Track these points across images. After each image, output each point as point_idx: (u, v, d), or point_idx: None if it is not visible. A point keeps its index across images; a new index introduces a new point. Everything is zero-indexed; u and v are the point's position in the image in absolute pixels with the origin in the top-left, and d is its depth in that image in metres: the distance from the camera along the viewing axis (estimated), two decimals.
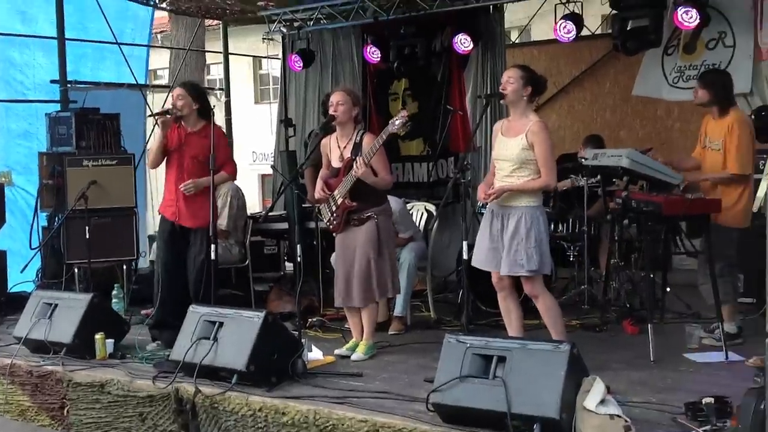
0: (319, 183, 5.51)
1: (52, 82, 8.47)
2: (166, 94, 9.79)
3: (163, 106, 5.79)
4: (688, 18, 7.07)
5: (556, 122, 9.16)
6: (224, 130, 10.14)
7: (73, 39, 8.71)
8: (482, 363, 3.99)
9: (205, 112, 5.83)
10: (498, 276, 4.92)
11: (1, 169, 8.65)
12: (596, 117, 9.21)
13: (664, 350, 5.01)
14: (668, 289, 5.99)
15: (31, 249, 7.17)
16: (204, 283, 5.61)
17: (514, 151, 4.79)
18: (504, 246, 4.80)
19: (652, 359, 4.91)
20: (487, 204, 5.10)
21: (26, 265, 6.96)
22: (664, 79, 8.24)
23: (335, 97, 5.42)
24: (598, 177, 6.46)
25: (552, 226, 6.80)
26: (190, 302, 5.34)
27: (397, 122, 5.07)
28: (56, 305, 5.66)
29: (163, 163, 5.93)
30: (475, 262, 5.00)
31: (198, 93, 5.88)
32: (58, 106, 8.21)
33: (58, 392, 5.20)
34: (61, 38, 8.28)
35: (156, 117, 5.81)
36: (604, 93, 9.23)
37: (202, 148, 5.72)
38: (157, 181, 6.25)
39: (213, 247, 5.56)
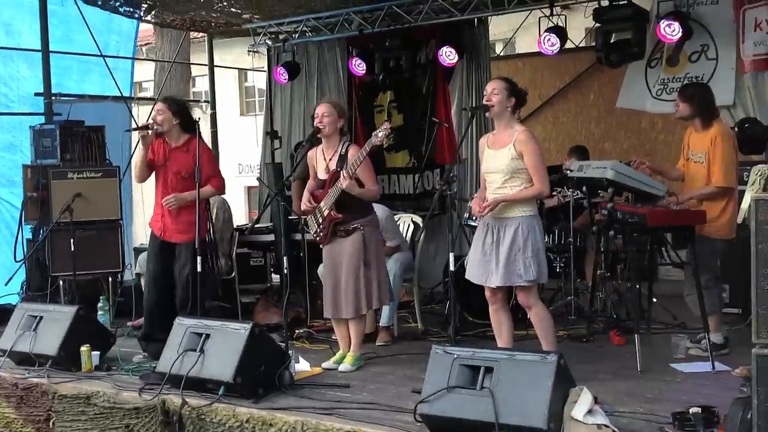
0: (306, 195, 5.51)
1: (37, 94, 8.46)
2: (151, 106, 9.78)
3: (147, 120, 5.75)
4: (670, 31, 7.15)
5: (541, 134, 9.20)
6: (209, 143, 10.22)
7: (58, 51, 8.70)
8: (470, 374, 3.99)
9: (188, 126, 5.78)
10: (491, 289, 4.91)
11: None
12: (581, 129, 9.28)
13: (651, 360, 5.04)
14: (654, 300, 6.03)
15: (16, 261, 7.13)
16: (192, 295, 5.59)
17: (503, 162, 4.80)
18: (499, 258, 4.78)
19: (639, 369, 4.93)
20: (478, 217, 5.10)
21: (11, 278, 6.91)
22: (647, 92, 8.32)
23: (320, 109, 5.43)
24: (584, 189, 6.49)
25: None
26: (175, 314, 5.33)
27: (380, 134, 5.09)
28: (41, 318, 5.63)
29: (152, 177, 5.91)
30: (469, 276, 5.00)
31: (178, 107, 5.82)
32: (42, 119, 8.18)
33: (43, 404, 5.16)
34: (45, 51, 8.26)
35: (138, 131, 5.78)
36: (588, 105, 9.30)
37: (185, 163, 5.70)
38: (142, 194, 6.24)
39: (199, 258, 5.56)
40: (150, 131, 5.70)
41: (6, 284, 6.95)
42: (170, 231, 5.79)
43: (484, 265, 4.86)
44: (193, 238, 5.63)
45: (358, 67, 8.93)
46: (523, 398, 3.77)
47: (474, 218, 6.56)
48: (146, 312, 5.88)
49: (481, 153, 5.07)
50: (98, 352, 5.51)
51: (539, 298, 4.96)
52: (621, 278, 6.61)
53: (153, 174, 5.87)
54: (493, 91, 4.87)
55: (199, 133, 5.80)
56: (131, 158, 9.02)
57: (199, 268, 5.58)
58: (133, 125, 6.41)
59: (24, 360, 5.53)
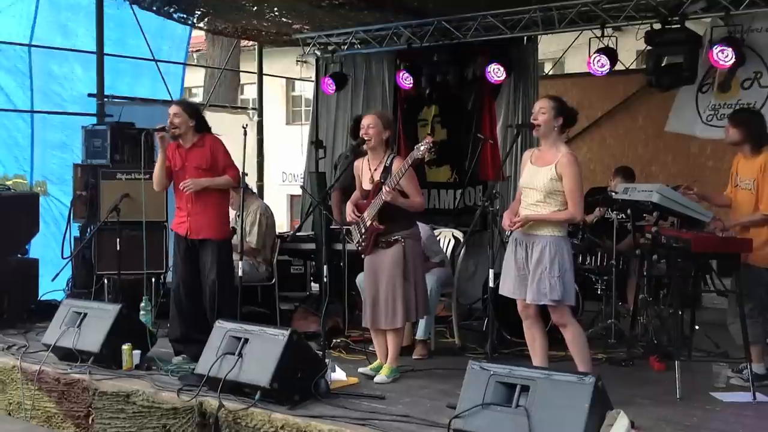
0: (350, 206, 5.55)
1: (90, 95, 8.63)
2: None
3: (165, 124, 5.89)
4: (723, 57, 7.07)
5: (587, 155, 9.15)
6: (255, 150, 10.35)
7: (112, 54, 8.88)
8: (505, 391, 3.98)
9: (202, 126, 5.96)
10: (523, 304, 4.92)
11: (37, 178, 8.79)
12: (628, 151, 9.19)
13: (691, 388, 4.97)
14: (697, 327, 5.94)
15: (63, 258, 7.25)
16: (222, 299, 5.67)
17: (542, 181, 4.80)
18: (530, 274, 4.79)
19: (678, 396, 4.87)
20: (507, 232, 5.10)
21: (57, 274, 7.03)
22: (697, 117, 8.23)
23: (366, 120, 5.47)
24: (628, 211, 6.44)
25: (580, 258, 6.79)
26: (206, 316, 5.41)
27: (422, 147, 5.12)
28: (85, 314, 5.74)
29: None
30: (503, 290, 5.01)
31: (193, 110, 6.02)
32: (94, 119, 8.36)
33: (84, 400, 5.25)
34: (100, 53, 8.44)
35: (155, 132, 5.90)
36: (636, 128, 9.21)
37: (204, 156, 5.87)
38: None
39: (240, 263, 5.62)
40: (167, 134, 5.84)
41: (52, 280, 7.07)
42: (196, 228, 5.85)
43: (520, 280, 4.86)
44: (218, 235, 5.79)
45: (405, 80, 8.96)
46: (559, 419, 3.75)
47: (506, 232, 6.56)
48: (177, 314, 5.93)
49: (522, 165, 5.07)
50: (139, 351, 5.60)
51: (573, 318, 4.92)
52: (663, 304, 6.52)
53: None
54: (541, 110, 4.87)
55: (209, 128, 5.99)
56: None
57: (240, 273, 5.65)
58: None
59: (67, 355, 5.63)
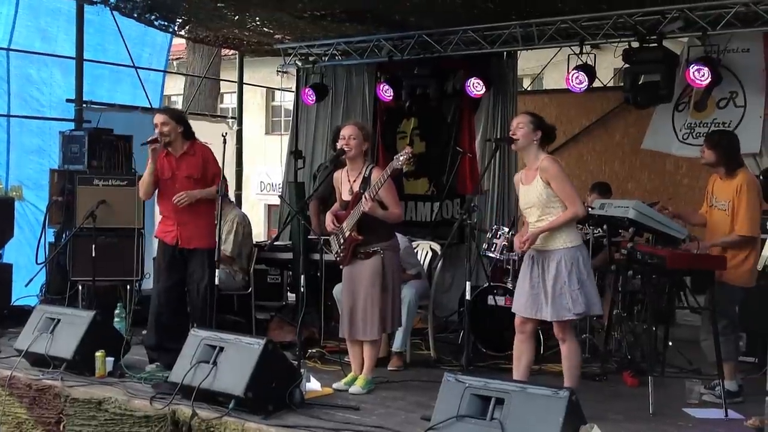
0: (329, 216, 5.55)
1: (68, 101, 8.58)
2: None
3: (153, 134, 5.88)
4: (700, 76, 7.16)
5: (565, 170, 9.19)
6: (234, 159, 10.32)
7: (92, 60, 8.84)
8: (480, 404, 3.99)
9: (189, 133, 5.97)
10: (522, 319, 4.91)
11: (12, 183, 8.71)
12: (605, 168, 9.27)
13: (664, 404, 5.00)
14: (670, 344, 5.99)
15: (37, 264, 7.21)
16: (207, 307, 5.64)
17: (534, 195, 4.82)
18: (547, 291, 4.77)
19: (651, 412, 4.90)
20: (518, 253, 5.08)
21: (31, 280, 6.99)
22: (674, 135, 8.32)
23: (347, 131, 5.48)
24: (604, 227, 6.49)
25: None
26: (188, 325, 5.37)
27: (401, 158, 5.14)
28: (59, 320, 5.69)
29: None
30: (516, 309, 4.99)
31: (179, 117, 6.04)
32: (72, 125, 8.31)
33: (55, 407, 5.19)
34: (79, 58, 8.41)
35: (148, 144, 5.87)
36: (613, 144, 9.30)
37: (195, 165, 5.87)
38: None
39: (217, 271, 5.60)
40: (159, 144, 5.84)
41: (26, 285, 7.03)
42: (187, 237, 5.84)
43: (533, 298, 4.84)
44: (207, 245, 5.76)
45: (386, 92, 8.99)
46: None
47: (493, 249, 6.58)
48: (155, 322, 5.89)
49: (516, 190, 5.10)
50: (112, 359, 5.55)
51: (574, 334, 4.93)
52: (637, 319, 6.57)
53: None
54: (518, 125, 4.91)
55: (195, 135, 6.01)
56: None
57: (216, 281, 5.64)
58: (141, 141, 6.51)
59: (39, 361, 5.58)
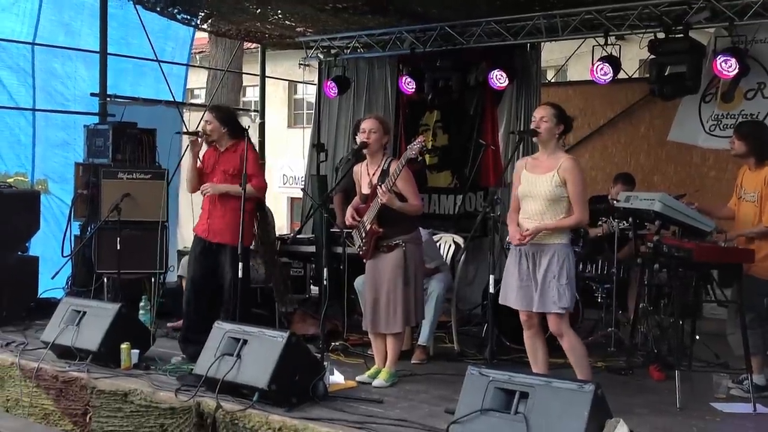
0: (350, 210, 5.54)
1: (92, 95, 8.63)
2: (202, 113, 9.94)
3: (197, 128, 5.93)
4: (727, 67, 7.08)
5: (589, 163, 9.15)
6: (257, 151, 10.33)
7: (115, 54, 8.88)
8: (504, 398, 3.96)
9: (236, 132, 5.96)
10: (527, 314, 4.89)
11: (38, 177, 8.79)
12: (630, 160, 9.19)
13: (691, 398, 4.96)
14: (697, 337, 5.93)
15: (63, 257, 7.25)
16: (238, 301, 5.66)
17: (544, 189, 4.78)
18: (537, 284, 4.77)
19: (677, 406, 4.85)
20: (512, 244, 5.05)
21: (57, 272, 7.02)
22: (700, 126, 8.23)
23: (367, 125, 5.47)
24: (630, 220, 6.43)
25: (581, 266, 6.77)
26: (216, 318, 5.38)
27: (415, 147, 5.15)
28: (84, 313, 5.73)
29: None
30: (503, 300, 4.98)
31: (226, 116, 6.02)
32: (96, 119, 8.35)
33: (81, 398, 5.24)
34: (103, 52, 8.44)
35: (187, 136, 5.93)
36: (638, 136, 9.21)
37: (233, 162, 5.87)
38: (192, 197, 6.35)
39: (241, 265, 5.62)
40: (200, 139, 5.87)
41: (52, 278, 7.07)
42: (214, 232, 5.88)
43: (524, 290, 4.83)
44: (236, 241, 5.73)
45: (408, 85, 8.96)
46: (558, 426, 3.73)
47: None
48: (186, 314, 5.96)
49: (516, 174, 5.03)
50: (138, 351, 5.59)
51: (570, 327, 4.90)
52: (664, 313, 6.51)
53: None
54: (542, 118, 4.87)
55: (249, 137, 5.97)
56: (180, 161, 9.18)
57: (240, 274, 5.65)
58: (181, 130, 6.55)
59: (65, 353, 5.63)
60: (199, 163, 5.99)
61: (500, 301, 5.01)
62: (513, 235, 4.91)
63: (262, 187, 5.99)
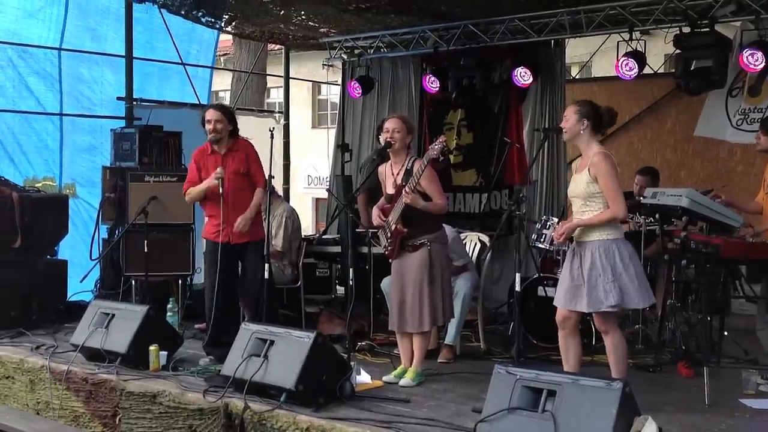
0: (376, 210, 5.55)
1: (119, 98, 8.71)
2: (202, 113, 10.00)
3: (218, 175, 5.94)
4: (753, 60, 6.99)
5: (615, 159, 9.07)
6: (281, 153, 10.40)
7: (141, 58, 8.95)
8: (532, 396, 3.95)
9: (235, 131, 6.07)
10: (564, 314, 4.84)
11: (66, 181, 8.88)
12: (656, 155, 9.11)
13: (720, 395, 4.91)
14: (725, 333, 5.87)
15: (91, 260, 7.33)
16: (265, 301, 5.69)
17: (580, 187, 4.76)
18: (585, 283, 4.71)
19: (706, 403, 4.82)
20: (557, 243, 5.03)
21: (86, 276, 7.10)
22: (727, 121, 8.14)
23: (391, 124, 5.47)
24: (657, 216, 6.38)
25: None
26: (239, 319, 5.42)
27: (436, 147, 5.16)
28: (113, 315, 5.79)
29: None
30: (557, 302, 4.94)
31: (232, 115, 6.10)
32: (123, 122, 8.44)
33: (111, 400, 5.30)
34: (129, 57, 8.53)
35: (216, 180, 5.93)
36: (665, 132, 9.14)
37: (241, 162, 5.96)
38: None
39: (267, 266, 5.66)
40: (218, 182, 5.88)
41: (81, 281, 7.14)
42: (236, 235, 5.90)
43: (573, 290, 4.78)
44: (259, 238, 5.84)
45: (432, 84, 8.95)
46: (586, 424, 3.71)
47: (543, 240, 6.52)
48: (212, 319, 5.95)
49: (570, 179, 5.05)
50: (166, 352, 5.64)
51: (617, 325, 4.86)
52: (692, 309, 6.45)
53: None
54: (565, 118, 4.88)
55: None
56: None
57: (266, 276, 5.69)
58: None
59: (95, 356, 5.69)
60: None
61: (554, 302, 4.96)
62: (555, 234, 4.92)
63: (264, 181, 6.04)
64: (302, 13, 8.85)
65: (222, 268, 5.90)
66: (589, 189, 4.72)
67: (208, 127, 5.92)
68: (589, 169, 4.72)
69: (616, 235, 4.74)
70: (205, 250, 6.14)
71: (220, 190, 5.84)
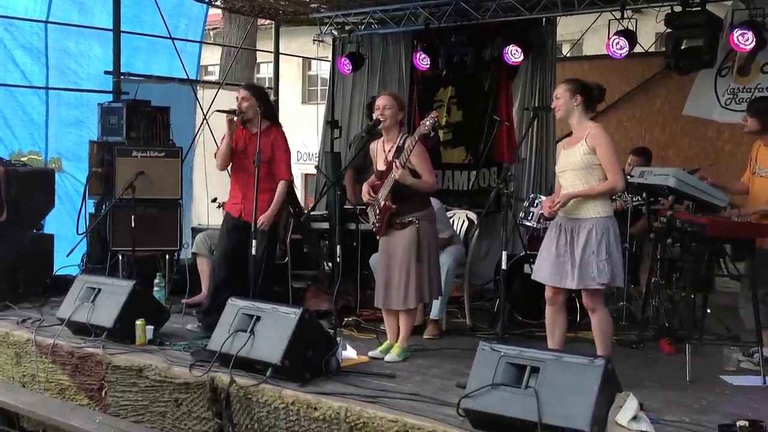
0: (366, 187, 5.54)
1: (106, 73, 8.66)
2: (215, 90, 9.95)
3: (234, 107, 5.93)
4: (744, 40, 7.00)
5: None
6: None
7: (129, 32, 8.88)
8: (515, 372, 3.98)
9: (270, 114, 6.01)
10: (553, 290, 4.87)
11: (52, 155, 8.84)
12: (645, 134, 9.12)
13: (701, 371, 4.95)
14: (708, 311, 5.92)
15: (78, 234, 7.32)
16: (264, 278, 5.74)
17: (576, 159, 4.76)
18: (575, 260, 4.72)
19: (687, 379, 4.86)
20: (547, 218, 5.03)
21: (72, 250, 7.10)
22: (716, 100, 8.16)
23: (381, 101, 5.45)
24: (643, 195, 6.41)
25: None
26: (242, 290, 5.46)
27: (427, 122, 5.17)
28: (100, 290, 5.78)
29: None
30: (537, 277, 4.96)
31: (261, 94, 6.05)
32: (110, 97, 8.38)
33: (97, 374, 5.31)
34: (116, 30, 8.46)
35: (225, 115, 5.92)
36: (654, 111, 9.15)
37: (266, 148, 5.90)
38: (206, 175, 6.40)
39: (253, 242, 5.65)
40: (236, 117, 5.88)
41: (67, 256, 7.14)
42: (248, 211, 5.88)
43: (558, 267, 4.79)
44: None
45: (422, 61, 8.93)
46: (568, 400, 3.74)
47: (530, 218, 6.54)
48: (213, 288, 6.02)
49: (558, 157, 5.03)
50: (152, 327, 5.63)
51: (603, 302, 4.89)
52: (676, 287, 6.50)
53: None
54: (556, 97, 4.90)
55: (279, 123, 6.10)
56: (194, 139, 9.22)
57: (254, 251, 5.70)
58: (216, 108, 6.46)
59: (81, 330, 5.68)
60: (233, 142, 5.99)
61: (533, 277, 4.99)
62: (544, 205, 4.91)
63: (290, 181, 6.11)
64: None
65: (231, 237, 5.98)
66: (586, 159, 4.71)
67: (236, 104, 5.94)
68: (586, 140, 4.72)
69: (610, 212, 4.78)
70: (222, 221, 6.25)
71: (235, 118, 5.84)
